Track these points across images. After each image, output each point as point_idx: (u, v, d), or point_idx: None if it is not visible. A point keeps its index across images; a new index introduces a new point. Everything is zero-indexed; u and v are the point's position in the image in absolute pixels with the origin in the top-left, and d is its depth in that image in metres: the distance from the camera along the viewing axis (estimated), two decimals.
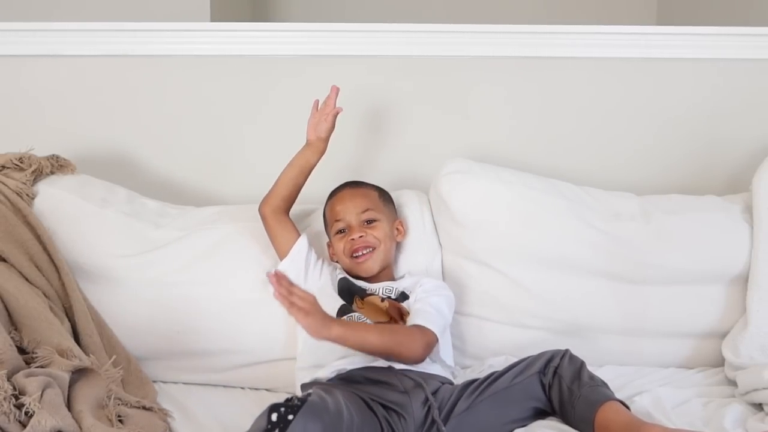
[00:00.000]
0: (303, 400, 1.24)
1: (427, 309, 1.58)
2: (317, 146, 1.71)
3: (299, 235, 1.71)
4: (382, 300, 1.63)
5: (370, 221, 1.70)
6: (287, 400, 1.25)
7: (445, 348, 1.60)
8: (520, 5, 3.42)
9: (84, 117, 2.01)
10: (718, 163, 2.08)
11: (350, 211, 1.70)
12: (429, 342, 1.53)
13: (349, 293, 1.65)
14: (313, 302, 1.39)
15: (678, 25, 2.16)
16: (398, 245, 1.77)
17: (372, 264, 1.68)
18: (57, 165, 1.82)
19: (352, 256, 1.67)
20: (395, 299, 1.65)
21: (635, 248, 1.77)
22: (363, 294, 1.65)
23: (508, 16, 2.85)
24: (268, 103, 2.03)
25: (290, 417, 1.21)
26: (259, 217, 1.75)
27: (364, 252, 1.67)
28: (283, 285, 1.36)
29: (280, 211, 1.71)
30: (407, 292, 1.66)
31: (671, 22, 3.16)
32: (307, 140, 1.72)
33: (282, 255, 1.69)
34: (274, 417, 1.21)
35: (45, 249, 1.67)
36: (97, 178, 1.84)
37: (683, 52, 2.04)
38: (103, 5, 2.50)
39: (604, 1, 3.44)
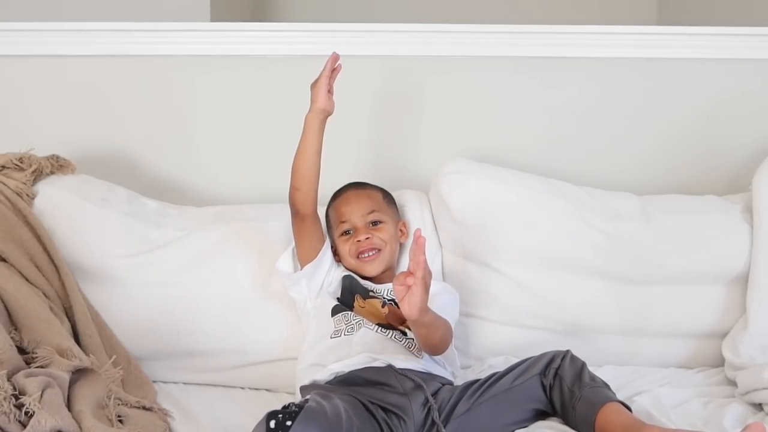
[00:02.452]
0: (300, 406, 1.25)
1: (442, 307, 1.58)
2: (323, 118, 1.62)
3: (325, 238, 1.68)
4: (383, 305, 1.63)
5: (375, 222, 1.70)
6: (284, 407, 1.26)
7: (452, 349, 1.62)
8: (520, 5, 3.42)
9: (84, 117, 2.01)
10: (718, 164, 2.08)
11: (356, 212, 1.69)
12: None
13: (350, 291, 1.65)
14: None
15: (678, 25, 2.15)
16: (400, 246, 1.77)
17: (378, 264, 1.68)
18: (57, 165, 1.81)
19: (357, 257, 1.67)
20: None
21: (635, 248, 1.77)
22: (366, 294, 1.65)
23: (509, 16, 2.84)
24: (268, 103, 2.03)
25: (288, 423, 1.21)
26: (257, 216, 1.75)
27: (370, 254, 1.67)
28: (424, 263, 1.35)
29: (314, 206, 1.63)
30: None
31: (671, 22, 3.16)
32: (322, 109, 1.60)
33: (306, 253, 1.64)
34: (272, 424, 1.21)
35: (45, 249, 1.66)
36: (97, 178, 1.84)
37: (683, 52, 2.04)
38: (103, 5, 2.50)
39: (604, 1, 3.44)
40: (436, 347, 1.53)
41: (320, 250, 1.65)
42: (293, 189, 1.61)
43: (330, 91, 1.61)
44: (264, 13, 3.50)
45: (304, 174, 1.60)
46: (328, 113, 1.61)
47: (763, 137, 2.06)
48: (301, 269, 1.63)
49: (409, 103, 2.04)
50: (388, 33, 2.01)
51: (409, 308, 1.37)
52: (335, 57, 1.61)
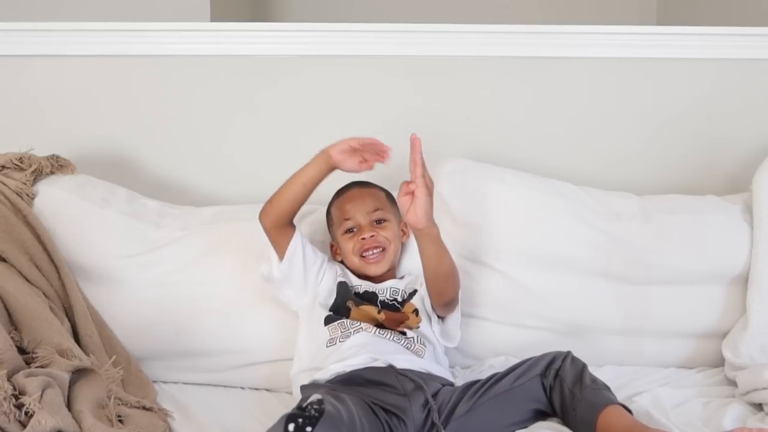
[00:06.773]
0: (320, 411, 1.23)
1: None
2: (331, 165, 1.54)
3: (294, 230, 1.63)
4: (379, 312, 1.62)
5: (379, 221, 1.69)
6: (301, 408, 1.24)
7: (455, 325, 1.63)
8: (520, 5, 3.42)
9: (84, 117, 2.01)
10: (718, 163, 2.08)
11: (360, 210, 1.68)
12: None
13: (344, 299, 1.63)
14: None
15: (677, 25, 2.15)
16: (402, 246, 1.77)
17: (383, 265, 1.67)
18: (57, 165, 1.82)
19: (361, 256, 1.66)
20: (404, 300, 1.65)
21: (635, 248, 1.77)
22: (359, 303, 1.63)
23: (508, 16, 2.85)
24: (268, 103, 2.03)
25: (308, 429, 1.19)
26: (257, 216, 1.75)
27: (375, 252, 1.66)
28: (421, 162, 1.41)
29: (283, 224, 1.61)
30: (415, 288, 1.67)
31: (671, 22, 3.16)
32: (330, 155, 1.53)
33: (281, 255, 1.65)
34: (291, 428, 1.19)
35: (45, 249, 1.66)
36: (97, 178, 1.84)
37: (682, 52, 2.04)
38: (103, 5, 2.50)
39: (604, 1, 3.44)
40: (447, 279, 1.53)
41: (287, 245, 1.60)
42: (267, 204, 1.60)
43: (361, 162, 1.52)
44: (264, 13, 3.50)
45: (283, 200, 1.57)
46: (333, 165, 1.53)
47: (763, 137, 2.06)
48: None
49: (409, 103, 2.04)
50: (388, 33, 2.01)
51: (415, 216, 1.40)
52: (387, 150, 1.51)
